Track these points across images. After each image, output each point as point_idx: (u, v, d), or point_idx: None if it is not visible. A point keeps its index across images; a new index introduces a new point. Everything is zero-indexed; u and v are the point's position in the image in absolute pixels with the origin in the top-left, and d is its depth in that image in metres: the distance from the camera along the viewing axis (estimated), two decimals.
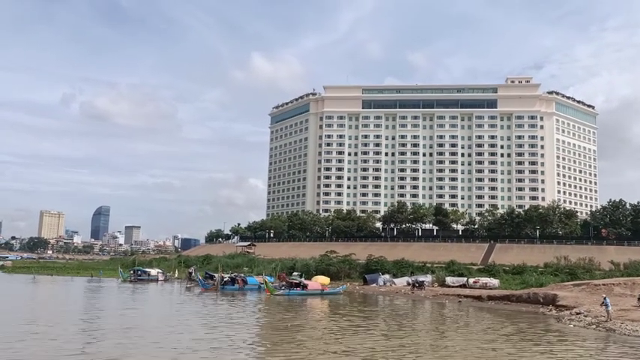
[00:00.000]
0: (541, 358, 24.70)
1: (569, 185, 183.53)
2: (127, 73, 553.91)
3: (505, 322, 38.56)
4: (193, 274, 77.91)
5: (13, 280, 76.70)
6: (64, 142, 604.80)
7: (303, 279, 65.67)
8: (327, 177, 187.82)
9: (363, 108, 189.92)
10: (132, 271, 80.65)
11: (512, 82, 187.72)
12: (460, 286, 65.83)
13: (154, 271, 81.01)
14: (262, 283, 62.88)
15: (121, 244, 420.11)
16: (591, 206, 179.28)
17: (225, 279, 64.69)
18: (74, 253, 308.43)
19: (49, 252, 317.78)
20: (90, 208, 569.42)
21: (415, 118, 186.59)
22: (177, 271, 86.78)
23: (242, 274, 70.17)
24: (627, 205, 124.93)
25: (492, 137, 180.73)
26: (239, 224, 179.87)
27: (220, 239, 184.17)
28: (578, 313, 41.30)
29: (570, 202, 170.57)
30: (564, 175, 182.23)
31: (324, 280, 65.88)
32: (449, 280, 68.82)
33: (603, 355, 26.13)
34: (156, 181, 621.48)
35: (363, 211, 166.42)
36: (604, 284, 51.02)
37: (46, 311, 41.57)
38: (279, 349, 25.65)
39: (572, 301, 47.12)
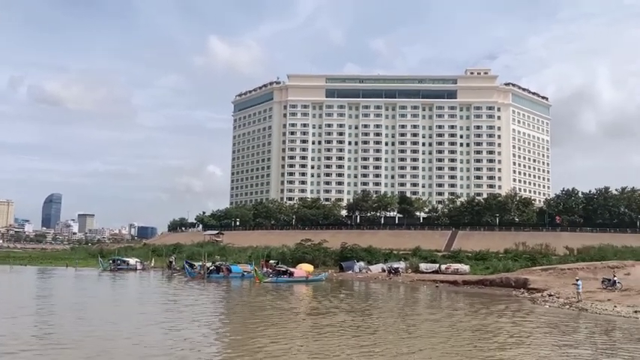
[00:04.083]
0: (535, 331, 27.97)
1: (524, 174, 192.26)
2: (79, 57, 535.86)
3: (488, 304, 42.00)
4: (174, 262, 79.25)
5: None
6: (12, 128, 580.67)
7: (284, 266, 68.19)
8: (291, 165, 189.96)
9: (326, 97, 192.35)
10: (111, 261, 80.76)
11: (472, 73, 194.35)
12: (433, 272, 69.51)
13: (132, 261, 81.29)
14: (246, 272, 65.06)
15: (74, 233, 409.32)
16: (545, 194, 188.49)
17: (210, 267, 66.30)
18: (26, 242, 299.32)
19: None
20: (40, 196, 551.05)
21: (378, 107, 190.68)
22: (153, 260, 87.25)
23: (225, 263, 71.90)
24: (579, 194, 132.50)
25: (452, 127, 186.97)
26: (204, 212, 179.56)
27: (184, 228, 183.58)
28: (550, 295, 45.34)
29: (525, 190, 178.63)
30: (519, 165, 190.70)
31: (308, 267, 68.40)
32: (422, 266, 72.47)
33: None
34: (109, 168, 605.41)
35: (326, 199, 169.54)
36: (569, 268, 55.65)
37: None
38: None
39: (542, 284, 51.39)
